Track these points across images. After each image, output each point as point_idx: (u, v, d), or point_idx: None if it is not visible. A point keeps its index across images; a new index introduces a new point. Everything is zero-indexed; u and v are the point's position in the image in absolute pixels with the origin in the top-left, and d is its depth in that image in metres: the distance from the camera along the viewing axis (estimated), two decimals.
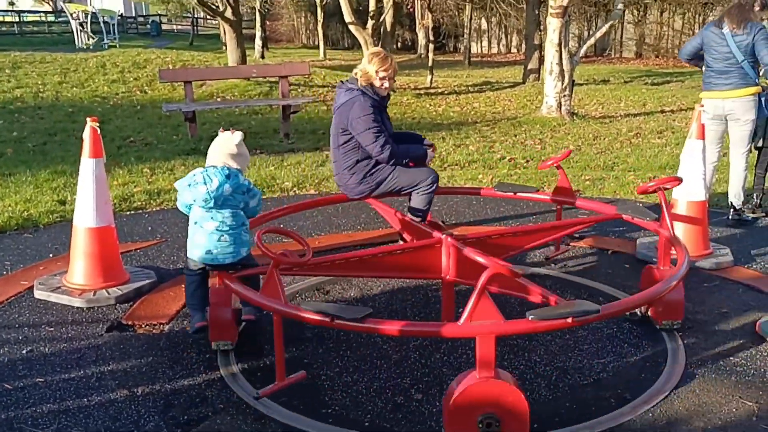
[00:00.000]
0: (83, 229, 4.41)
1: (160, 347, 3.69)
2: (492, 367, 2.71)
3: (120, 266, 4.55)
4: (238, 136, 3.66)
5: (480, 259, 2.98)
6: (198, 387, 3.27)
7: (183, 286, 4.44)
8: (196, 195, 3.49)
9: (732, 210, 6.01)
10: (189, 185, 3.53)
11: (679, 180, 4.14)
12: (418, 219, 4.71)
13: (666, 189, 4.05)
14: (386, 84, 4.68)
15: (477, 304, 2.74)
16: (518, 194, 5.30)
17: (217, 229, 3.51)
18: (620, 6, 14.20)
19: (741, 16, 5.63)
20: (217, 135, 3.78)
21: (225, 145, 3.63)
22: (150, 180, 7.49)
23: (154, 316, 4.06)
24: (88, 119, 4.40)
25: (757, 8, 5.69)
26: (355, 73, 4.74)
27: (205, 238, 3.53)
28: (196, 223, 3.57)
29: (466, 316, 2.75)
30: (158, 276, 4.64)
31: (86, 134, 4.41)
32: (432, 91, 16.74)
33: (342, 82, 4.87)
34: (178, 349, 3.66)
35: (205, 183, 3.47)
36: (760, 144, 6.09)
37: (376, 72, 4.64)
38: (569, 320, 2.76)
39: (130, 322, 3.98)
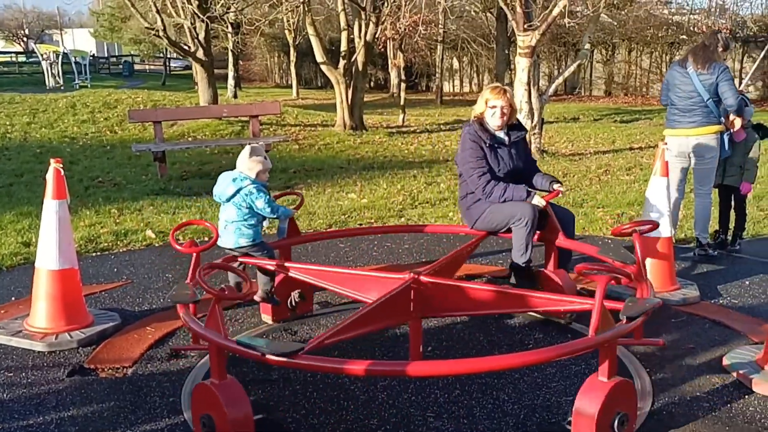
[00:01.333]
0: (45, 271, 4.33)
1: (123, 391, 3.61)
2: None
3: (83, 309, 4.47)
4: (246, 149, 4.31)
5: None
6: (161, 431, 3.20)
7: (147, 328, 4.40)
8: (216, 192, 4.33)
9: (698, 246, 6.08)
10: None
11: (656, 225, 4.20)
12: (521, 262, 4.51)
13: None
14: (496, 113, 4.60)
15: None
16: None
17: (224, 221, 4.27)
18: (587, 46, 14.51)
19: (706, 57, 5.76)
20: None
21: (240, 157, 4.33)
22: (117, 221, 7.41)
23: (117, 360, 3.98)
24: (51, 160, 4.36)
25: (720, 49, 5.83)
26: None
27: (220, 227, 4.29)
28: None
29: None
30: (123, 318, 4.57)
31: (50, 175, 4.36)
32: (404, 129, 16.88)
33: None
34: (141, 393, 3.58)
35: (219, 185, 4.29)
36: (721, 181, 6.19)
37: (486, 102, 4.62)
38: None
39: (92, 366, 3.90)
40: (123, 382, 3.72)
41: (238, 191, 4.22)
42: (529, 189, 4.57)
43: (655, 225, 4.22)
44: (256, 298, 4.41)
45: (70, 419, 3.32)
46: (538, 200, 4.48)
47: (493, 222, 4.61)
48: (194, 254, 4.05)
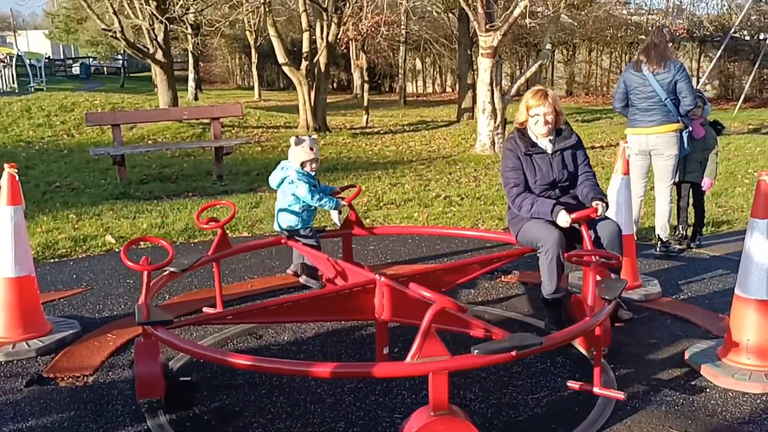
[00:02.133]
0: (1, 279, 4.23)
1: (84, 400, 3.53)
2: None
3: (41, 316, 4.36)
4: (293, 140, 4.69)
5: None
6: None
7: (108, 335, 4.31)
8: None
9: (659, 242, 6.17)
10: None
11: (595, 210, 4.10)
12: (545, 294, 4.16)
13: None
14: (539, 121, 4.18)
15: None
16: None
17: (276, 206, 4.80)
18: (549, 46, 14.67)
19: (659, 56, 5.85)
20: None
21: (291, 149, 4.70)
22: (76, 226, 7.25)
23: (77, 368, 3.89)
24: (6, 165, 4.25)
25: (669, 44, 5.92)
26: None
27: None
28: None
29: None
30: (83, 325, 4.47)
31: (3, 181, 4.25)
32: (368, 130, 16.87)
33: None
34: (102, 402, 3.51)
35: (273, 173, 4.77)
36: (681, 178, 6.29)
37: (528, 109, 4.22)
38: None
39: (51, 375, 3.80)
40: (84, 391, 3.63)
41: (283, 179, 4.68)
42: (560, 204, 4.09)
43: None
44: (301, 280, 4.87)
45: (29, 430, 3.23)
46: (564, 218, 3.99)
47: (526, 241, 4.24)
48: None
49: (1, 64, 25.63)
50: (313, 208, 4.82)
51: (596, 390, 3.31)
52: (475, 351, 2.75)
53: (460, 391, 3.55)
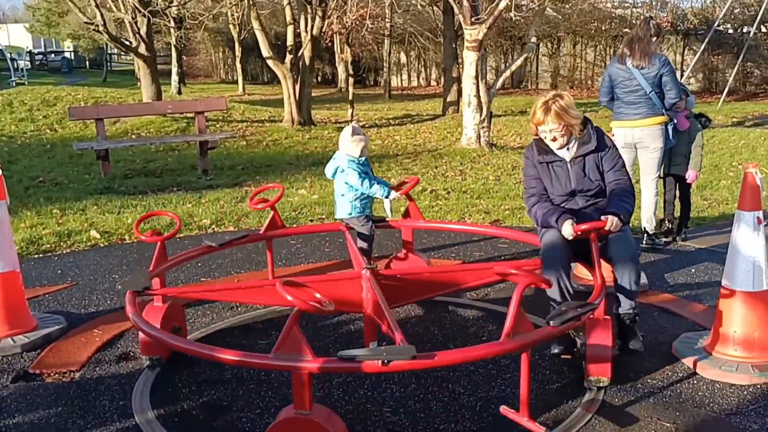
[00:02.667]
0: None
1: (71, 396, 3.50)
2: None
3: (26, 312, 4.32)
4: (346, 129, 4.78)
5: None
6: None
7: (94, 330, 4.28)
8: None
9: (645, 235, 6.20)
10: None
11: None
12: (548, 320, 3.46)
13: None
14: (548, 137, 3.90)
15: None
16: None
17: (335, 194, 4.91)
18: (534, 39, 14.68)
19: (643, 50, 5.85)
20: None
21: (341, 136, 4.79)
22: (60, 221, 7.19)
23: (64, 364, 3.86)
24: None
25: (653, 38, 5.93)
26: None
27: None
28: None
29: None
30: (68, 321, 4.43)
31: None
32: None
33: None
34: (90, 398, 3.48)
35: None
36: (667, 171, 6.32)
37: (535, 124, 3.93)
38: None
39: (38, 371, 3.78)
40: (71, 387, 3.60)
41: (336, 169, 4.79)
42: (572, 213, 3.85)
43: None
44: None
45: (16, 426, 3.21)
46: (567, 230, 3.73)
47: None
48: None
49: None
50: (367, 197, 4.87)
51: (525, 421, 3.04)
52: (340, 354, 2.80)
53: (449, 384, 3.55)
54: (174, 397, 3.45)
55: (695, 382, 3.59)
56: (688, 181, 6.34)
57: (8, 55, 27.54)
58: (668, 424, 3.16)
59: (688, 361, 3.78)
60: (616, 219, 3.72)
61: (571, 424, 3.18)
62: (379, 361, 2.68)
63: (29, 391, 3.56)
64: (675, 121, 6.08)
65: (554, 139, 3.87)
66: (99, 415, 3.31)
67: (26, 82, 24.47)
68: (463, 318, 4.50)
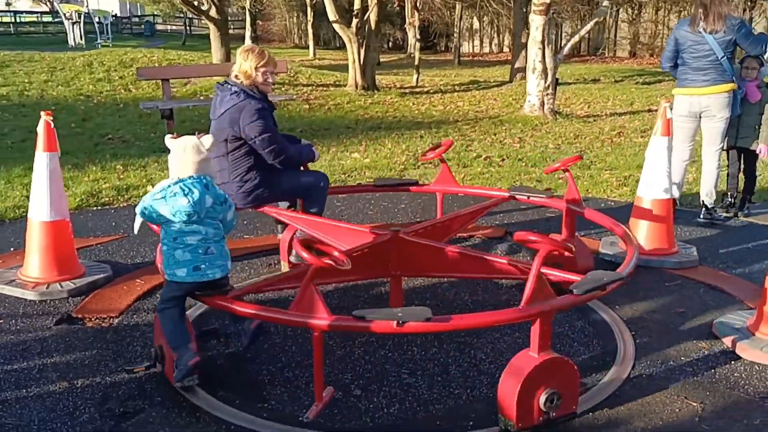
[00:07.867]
0: (37, 222, 4.37)
1: (107, 340, 3.65)
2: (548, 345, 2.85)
3: (75, 260, 4.50)
4: (208, 139, 3.23)
5: (533, 237, 2.94)
6: (138, 380, 3.23)
7: (137, 280, 4.43)
8: (177, 208, 3.06)
9: (704, 209, 5.95)
10: (165, 198, 3.09)
11: (580, 157, 4.44)
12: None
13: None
14: (270, 79, 4.47)
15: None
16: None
17: (202, 242, 3.13)
18: (606, 3, 14.16)
19: (716, 13, 5.55)
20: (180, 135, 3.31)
21: (195, 152, 3.16)
22: (121, 176, 7.43)
23: (104, 310, 4.02)
24: (42, 113, 4.36)
25: None
26: (235, 76, 4.40)
27: (189, 253, 3.12)
28: (175, 239, 3.13)
29: (525, 300, 2.84)
30: (114, 271, 4.60)
31: (40, 128, 4.37)
32: (417, 90, 16.70)
33: (221, 84, 4.46)
34: (123, 343, 3.62)
35: (185, 195, 3.07)
36: (733, 143, 6.02)
37: (256, 68, 4.38)
38: (393, 324, 2.68)
39: (80, 316, 3.94)
40: (108, 332, 3.75)
41: (216, 200, 3.37)
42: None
43: (580, 157, 4.49)
44: None
45: (52, 365, 3.37)
46: None
47: (293, 189, 4.65)
48: None
49: (70, 20, 26.15)
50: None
51: None
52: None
53: (471, 350, 3.53)
54: (200, 347, 3.54)
55: (732, 362, 3.45)
56: (761, 157, 6.01)
57: (96, 18, 28.42)
58: (695, 404, 3.06)
59: (727, 341, 3.63)
60: None
61: (592, 397, 3.12)
62: (394, 322, 2.68)
63: (69, 333, 3.72)
64: (743, 90, 5.78)
65: (273, 80, 4.59)
66: (130, 359, 3.44)
67: (111, 45, 25.17)
68: (496, 285, 4.45)
